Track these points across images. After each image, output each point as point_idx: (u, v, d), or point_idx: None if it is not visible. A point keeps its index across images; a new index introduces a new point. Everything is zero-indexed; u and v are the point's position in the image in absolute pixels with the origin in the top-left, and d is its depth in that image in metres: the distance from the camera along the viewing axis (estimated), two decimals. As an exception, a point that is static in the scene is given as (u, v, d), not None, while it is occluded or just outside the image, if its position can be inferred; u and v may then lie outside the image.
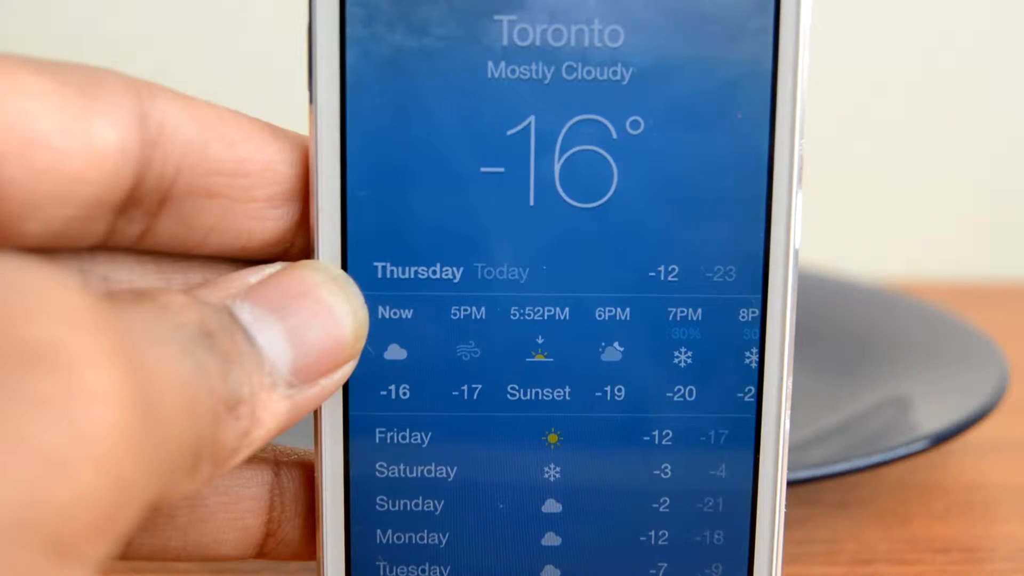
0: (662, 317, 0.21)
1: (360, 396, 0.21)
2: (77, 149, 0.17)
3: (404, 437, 0.21)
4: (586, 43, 0.20)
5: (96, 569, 0.13)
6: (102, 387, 0.13)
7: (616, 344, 0.21)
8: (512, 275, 0.21)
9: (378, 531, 0.21)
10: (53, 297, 0.13)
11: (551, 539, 0.22)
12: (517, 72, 0.20)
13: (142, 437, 0.13)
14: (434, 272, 0.21)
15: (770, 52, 0.20)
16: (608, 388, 0.21)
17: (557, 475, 0.21)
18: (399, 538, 0.22)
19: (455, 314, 0.21)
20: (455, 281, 0.21)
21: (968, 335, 0.43)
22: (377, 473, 0.21)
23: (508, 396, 0.21)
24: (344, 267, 0.20)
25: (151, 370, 0.14)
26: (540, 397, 0.21)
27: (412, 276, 0.21)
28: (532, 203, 0.21)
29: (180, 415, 0.15)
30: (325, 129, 0.20)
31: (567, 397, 0.21)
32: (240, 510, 0.21)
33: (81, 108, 0.17)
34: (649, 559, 0.22)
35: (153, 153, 0.18)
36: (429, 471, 0.21)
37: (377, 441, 0.21)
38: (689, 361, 0.21)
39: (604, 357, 0.21)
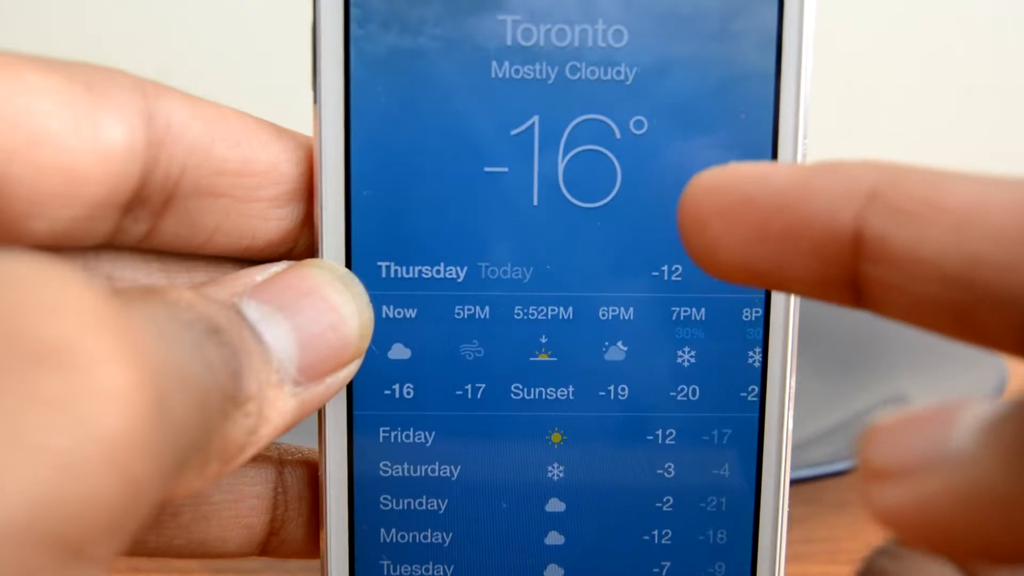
0: (665, 317, 0.21)
1: (364, 395, 0.21)
2: (84, 148, 0.17)
3: (408, 436, 0.21)
4: (590, 43, 0.20)
5: (106, 569, 0.13)
6: (113, 386, 0.13)
7: (620, 343, 0.21)
8: (516, 275, 0.21)
9: (382, 530, 0.22)
10: (63, 295, 0.13)
11: (555, 538, 0.22)
12: (521, 72, 0.20)
13: (153, 436, 0.13)
14: (438, 272, 0.21)
15: (773, 52, 0.20)
16: (612, 387, 0.21)
17: (560, 474, 0.21)
18: (403, 537, 0.22)
19: (459, 314, 0.21)
20: (459, 281, 0.21)
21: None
22: (381, 472, 0.21)
23: (512, 395, 0.21)
24: (348, 267, 0.20)
25: (161, 368, 0.14)
26: (544, 396, 0.21)
27: (416, 276, 0.21)
28: (536, 203, 0.21)
29: (190, 413, 0.15)
30: (329, 129, 0.20)
31: (571, 396, 0.21)
32: (244, 508, 0.21)
33: (88, 107, 0.17)
34: (652, 558, 0.22)
35: (159, 152, 0.18)
36: (433, 470, 0.21)
37: (381, 440, 0.21)
38: (692, 360, 0.21)
39: (608, 356, 0.21)
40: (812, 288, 0.15)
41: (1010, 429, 0.12)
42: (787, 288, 0.15)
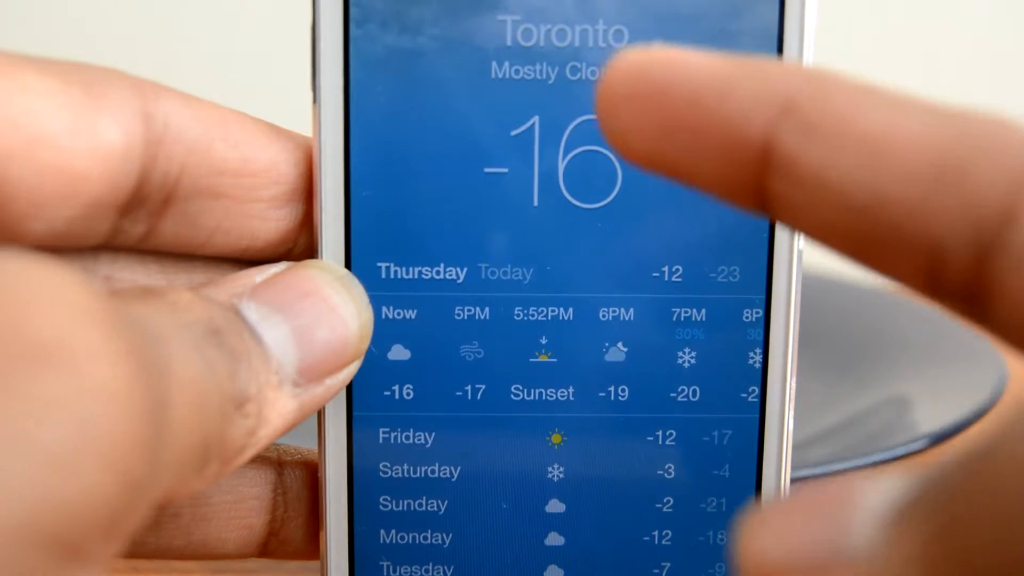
0: (666, 317, 0.21)
1: (364, 396, 0.21)
2: (82, 148, 0.17)
3: (408, 437, 0.21)
4: (590, 43, 0.20)
5: (104, 569, 0.13)
6: (110, 385, 0.13)
7: (620, 344, 0.21)
8: (516, 275, 0.21)
9: (382, 531, 0.21)
10: (60, 294, 0.13)
11: (555, 539, 0.22)
12: (521, 72, 0.20)
13: (150, 435, 0.13)
14: (438, 272, 0.21)
15: (774, 52, 0.20)
16: (612, 388, 0.21)
17: (561, 475, 0.21)
18: (403, 538, 0.22)
19: (459, 314, 0.21)
20: (459, 281, 0.21)
21: (968, 335, 0.43)
22: (381, 473, 0.21)
23: (512, 396, 0.21)
24: (348, 267, 0.20)
25: (159, 368, 0.14)
26: (544, 397, 0.21)
27: (416, 276, 0.21)
28: (536, 203, 0.21)
29: (189, 413, 0.15)
30: (328, 129, 0.20)
31: (571, 397, 0.21)
32: (244, 509, 0.21)
33: (86, 107, 0.17)
34: (652, 559, 0.22)
35: (158, 153, 0.18)
36: (433, 471, 0.21)
37: (381, 441, 0.21)
38: (693, 361, 0.21)
39: (608, 357, 0.21)
40: (718, 189, 0.14)
41: (917, 521, 0.10)
42: (694, 184, 0.14)
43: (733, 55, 0.14)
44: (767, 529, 0.12)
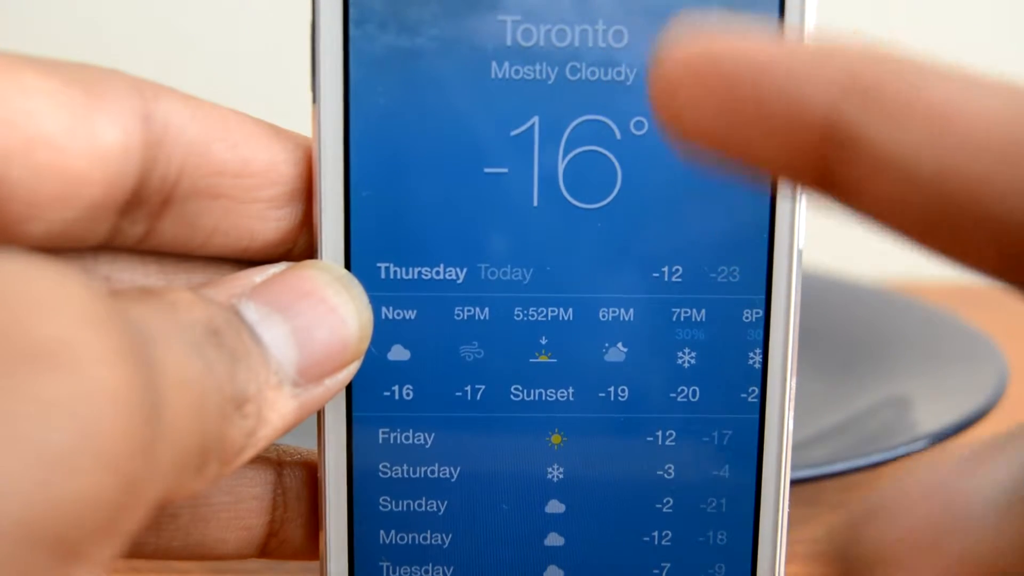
0: (666, 318, 0.21)
1: (363, 397, 0.21)
2: (81, 149, 0.17)
3: (407, 438, 0.21)
4: (590, 43, 0.20)
5: (103, 569, 0.13)
6: (109, 386, 0.13)
7: (620, 345, 0.21)
8: (515, 276, 0.21)
9: (381, 531, 0.21)
10: (59, 295, 0.13)
11: (554, 539, 0.22)
12: (521, 72, 0.20)
13: (150, 436, 0.13)
14: (437, 273, 0.21)
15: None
16: (612, 389, 0.21)
17: (560, 475, 0.21)
18: (402, 538, 0.22)
19: (458, 315, 0.21)
20: (458, 282, 0.21)
21: (968, 335, 0.43)
22: (380, 473, 0.21)
23: (511, 397, 0.21)
24: (347, 268, 0.20)
25: (159, 368, 0.14)
26: (543, 398, 0.21)
27: (415, 277, 0.21)
28: (536, 204, 0.21)
29: (188, 413, 0.15)
30: (328, 129, 0.20)
31: (570, 398, 0.21)
32: (243, 510, 0.21)
33: (85, 108, 0.17)
34: (652, 559, 0.22)
35: (157, 153, 0.18)
36: (432, 471, 0.21)
37: (380, 441, 0.21)
38: (693, 362, 0.21)
39: (608, 358, 0.21)
40: (780, 171, 0.14)
41: None
42: (754, 166, 0.14)
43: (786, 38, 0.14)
44: (880, 515, 0.12)
